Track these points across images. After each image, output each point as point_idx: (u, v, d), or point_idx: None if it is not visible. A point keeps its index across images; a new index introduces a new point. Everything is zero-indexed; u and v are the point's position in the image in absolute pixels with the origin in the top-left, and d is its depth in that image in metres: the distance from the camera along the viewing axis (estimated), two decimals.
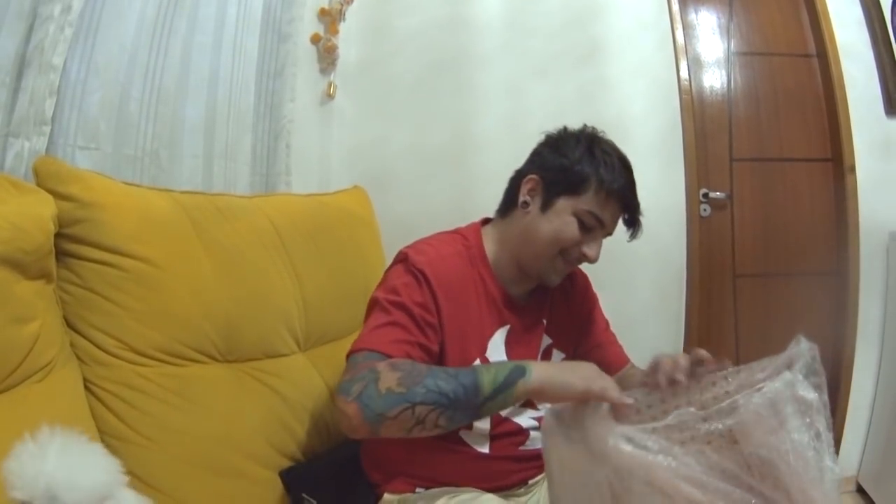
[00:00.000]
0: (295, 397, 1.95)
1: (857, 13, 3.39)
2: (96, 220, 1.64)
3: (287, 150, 2.78)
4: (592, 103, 3.24)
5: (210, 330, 1.81)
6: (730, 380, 1.49)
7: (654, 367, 1.51)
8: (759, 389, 1.40)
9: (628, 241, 1.81)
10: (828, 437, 1.39)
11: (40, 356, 1.45)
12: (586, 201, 1.70)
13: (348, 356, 1.53)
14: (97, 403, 1.59)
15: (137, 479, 1.55)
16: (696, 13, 3.52)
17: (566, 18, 3.32)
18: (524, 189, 1.78)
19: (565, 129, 1.83)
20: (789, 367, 1.42)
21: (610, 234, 1.79)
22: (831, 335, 3.30)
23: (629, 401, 1.40)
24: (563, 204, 1.71)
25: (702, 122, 3.41)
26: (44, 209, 1.53)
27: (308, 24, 3.02)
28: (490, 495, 1.62)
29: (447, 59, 3.30)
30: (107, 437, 1.57)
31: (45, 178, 1.62)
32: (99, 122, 1.97)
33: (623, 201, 1.74)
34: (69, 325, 1.62)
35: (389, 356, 1.47)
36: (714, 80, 3.50)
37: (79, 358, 1.61)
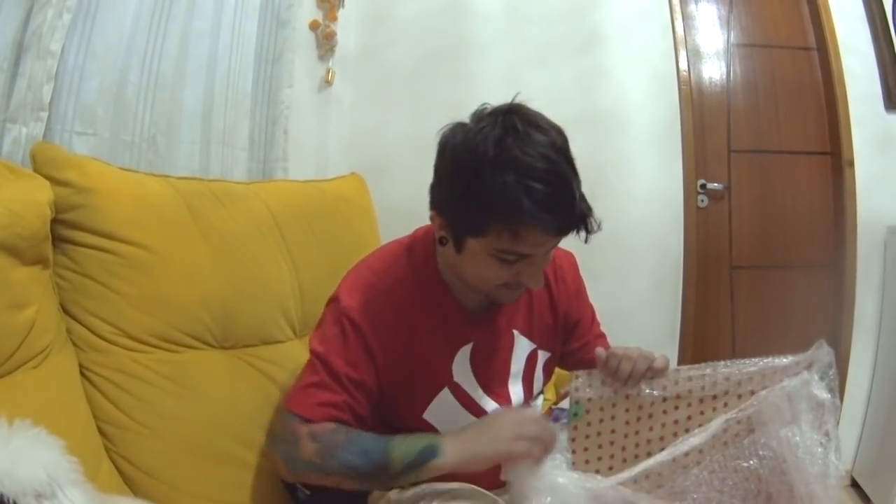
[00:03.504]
0: (290, 384, 1.92)
1: (859, 8, 3.38)
2: (93, 206, 1.64)
3: (284, 136, 2.78)
4: (591, 92, 3.25)
5: (206, 316, 1.81)
6: (750, 368, 1.54)
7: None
8: (779, 384, 1.48)
9: (584, 243, 1.41)
10: (836, 435, 1.45)
11: (36, 342, 1.45)
12: (494, 241, 1.36)
13: (284, 405, 1.58)
14: (93, 389, 1.59)
15: (132, 465, 1.57)
16: (696, 4, 3.52)
17: (565, 7, 3.32)
18: (434, 226, 1.51)
19: (452, 136, 1.44)
20: (808, 368, 1.50)
21: (550, 249, 1.46)
22: (828, 329, 3.30)
23: (554, 458, 1.44)
24: (474, 245, 1.40)
25: (700, 112, 3.41)
26: (41, 195, 1.53)
27: (307, 11, 3.01)
28: (475, 487, 1.59)
29: (446, 46, 3.31)
30: (102, 424, 1.57)
31: (42, 163, 1.61)
32: (96, 108, 1.96)
33: (540, 226, 1.32)
34: (65, 310, 1.62)
35: (311, 421, 1.48)
36: (713, 71, 3.49)
37: (75, 344, 1.61)
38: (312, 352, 1.55)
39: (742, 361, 1.56)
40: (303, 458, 1.45)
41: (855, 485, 3.21)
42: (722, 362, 1.57)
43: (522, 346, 1.72)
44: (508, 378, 1.71)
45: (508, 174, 1.29)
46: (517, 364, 1.72)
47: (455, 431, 1.48)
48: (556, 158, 1.33)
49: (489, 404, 1.66)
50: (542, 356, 1.77)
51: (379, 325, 1.52)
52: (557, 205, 1.31)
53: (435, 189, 1.48)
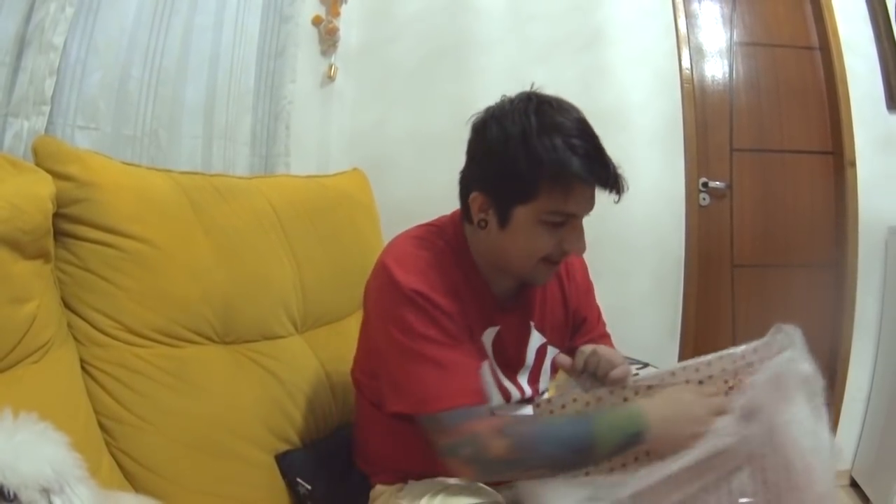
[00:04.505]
0: (291, 379, 1.95)
1: (861, 8, 3.39)
2: (95, 200, 1.63)
3: (287, 131, 2.78)
4: (593, 90, 3.24)
5: (207, 311, 1.81)
6: (722, 360, 1.56)
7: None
8: (763, 367, 1.47)
9: (616, 203, 1.49)
10: (825, 412, 1.43)
11: (37, 336, 1.45)
12: (544, 203, 1.44)
13: (421, 414, 1.47)
14: (93, 384, 1.59)
15: (132, 461, 1.57)
16: (699, 2, 3.52)
17: (568, 4, 3.32)
18: (474, 208, 1.54)
19: (490, 114, 1.52)
20: (788, 347, 1.47)
21: (590, 211, 1.52)
22: (828, 328, 3.32)
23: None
24: (521, 213, 1.46)
25: (703, 111, 3.41)
26: (42, 189, 1.52)
27: (309, 6, 3.01)
28: (479, 483, 1.59)
29: (448, 43, 3.30)
30: (102, 418, 1.57)
31: (43, 157, 1.61)
32: (98, 102, 1.96)
33: (588, 180, 1.43)
34: (66, 305, 1.61)
35: (470, 406, 1.43)
36: (716, 69, 3.49)
37: (76, 339, 1.60)
38: (404, 345, 1.47)
39: (698, 359, 1.57)
40: (494, 458, 1.38)
41: (854, 485, 3.21)
42: (679, 365, 1.57)
43: (535, 340, 1.74)
44: (520, 369, 1.72)
45: (555, 136, 1.41)
46: (529, 357, 1.73)
47: (651, 410, 1.43)
48: (586, 120, 1.48)
49: (512, 388, 1.68)
50: (551, 352, 1.78)
51: (441, 291, 1.50)
52: (598, 159, 1.44)
53: (475, 170, 1.55)
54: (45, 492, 1.04)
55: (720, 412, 1.40)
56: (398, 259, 1.54)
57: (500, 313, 1.65)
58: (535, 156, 1.41)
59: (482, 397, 1.47)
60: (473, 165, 1.56)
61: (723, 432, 1.37)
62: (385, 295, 1.53)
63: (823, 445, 1.39)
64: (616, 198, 1.48)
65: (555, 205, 1.44)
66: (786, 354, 1.47)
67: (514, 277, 1.64)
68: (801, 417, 1.40)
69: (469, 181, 1.57)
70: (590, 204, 1.50)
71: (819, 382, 1.45)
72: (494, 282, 1.64)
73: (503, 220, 1.50)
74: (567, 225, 1.49)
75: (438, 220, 1.71)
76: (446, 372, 1.45)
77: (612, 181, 1.45)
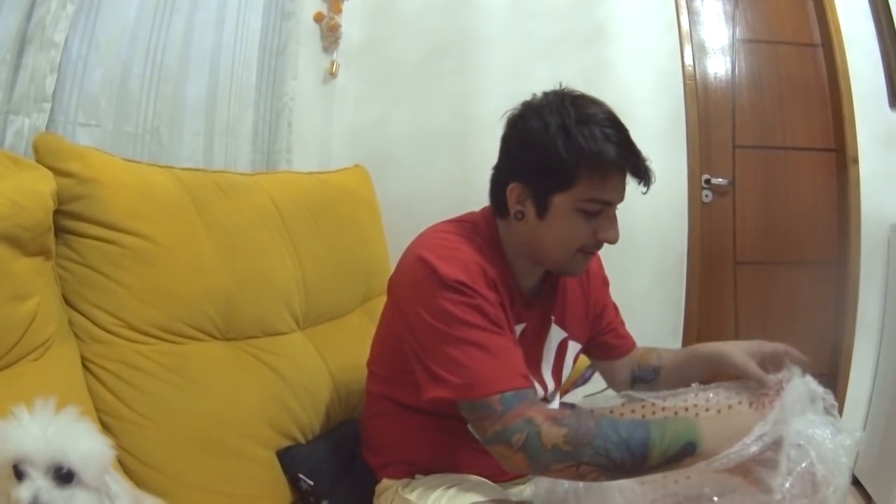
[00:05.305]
0: (293, 376, 1.94)
1: (864, 5, 3.38)
2: (96, 197, 1.63)
3: (288, 128, 2.78)
4: (595, 87, 3.16)
5: (209, 307, 1.81)
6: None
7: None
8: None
9: (643, 194, 1.58)
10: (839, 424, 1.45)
11: (38, 334, 1.45)
12: (582, 190, 1.49)
13: (468, 399, 1.42)
14: (94, 381, 1.58)
15: (134, 458, 1.56)
16: None
17: (570, 1, 3.31)
18: (511, 199, 1.57)
19: (527, 107, 1.57)
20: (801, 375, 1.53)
21: (622, 200, 1.57)
22: (830, 326, 3.31)
23: None
24: (559, 202, 1.51)
25: (705, 108, 3.41)
26: (43, 185, 1.52)
27: (311, 2, 3.01)
28: (483, 480, 1.60)
29: (450, 40, 3.30)
30: (103, 416, 1.57)
31: (44, 154, 1.61)
32: (100, 99, 1.96)
33: (623, 168, 1.51)
34: (67, 302, 1.61)
35: (522, 388, 1.41)
36: (718, 66, 3.49)
37: (77, 336, 1.60)
38: (445, 332, 1.45)
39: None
40: (549, 447, 1.33)
41: (857, 483, 3.21)
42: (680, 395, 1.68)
43: (555, 336, 1.76)
44: (541, 365, 1.74)
45: (592, 126, 1.48)
46: (549, 352, 1.76)
47: (706, 426, 1.38)
48: (615, 113, 1.55)
49: (535, 384, 1.67)
50: (573, 347, 1.81)
51: (483, 284, 1.49)
52: (630, 148, 1.52)
53: (512, 161, 1.60)
54: (103, 470, 1.11)
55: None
56: (437, 253, 1.52)
57: (527, 309, 1.67)
58: (575, 144, 1.46)
59: (531, 382, 1.48)
60: (510, 157, 1.61)
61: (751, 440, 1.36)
62: (424, 286, 1.50)
63: (842, 450, 1.40)
64: (644, 189, 1.56)
65: (592, 192, 1.50)
66: (798, 379, 1.51)
67: (550, 269, 1.68)
68: (821, 424, 1.41)
69: (505, 173, 1.61)
70: (623, 192, 1.57)
71: (831, 399, 1.48)
72: (523, 277, 1.67)
73: (541, 210, 1.54)
74: (602, 214, 1.54)
75: (467, 216, 1.72)
76: (494, 356, 1.43)
77: (644, 170, 1.53)
